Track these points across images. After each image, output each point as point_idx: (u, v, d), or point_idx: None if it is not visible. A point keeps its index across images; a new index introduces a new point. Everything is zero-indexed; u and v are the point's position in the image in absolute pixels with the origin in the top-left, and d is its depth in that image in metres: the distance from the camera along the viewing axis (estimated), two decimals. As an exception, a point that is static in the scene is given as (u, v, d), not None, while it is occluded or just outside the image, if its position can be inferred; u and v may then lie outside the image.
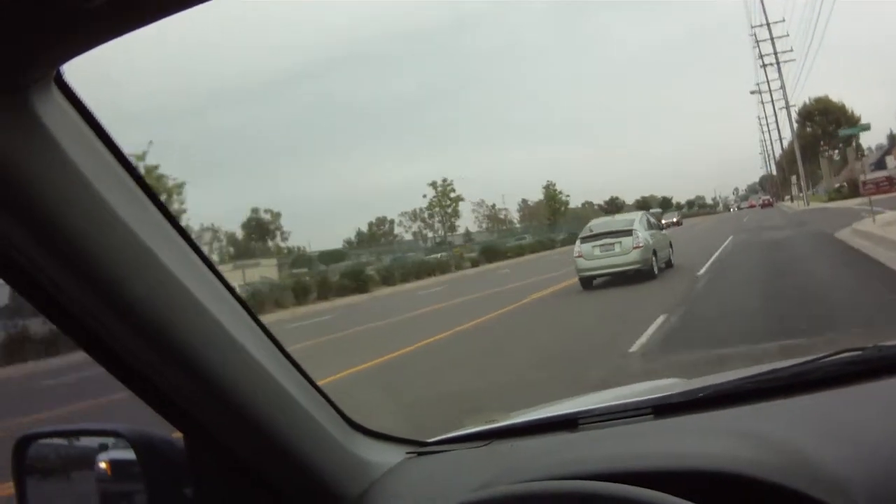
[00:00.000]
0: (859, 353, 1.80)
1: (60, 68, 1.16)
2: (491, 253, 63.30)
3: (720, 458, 1.50)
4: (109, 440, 1.90)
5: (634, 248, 22.59)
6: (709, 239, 38.12)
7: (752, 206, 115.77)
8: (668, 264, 24.77)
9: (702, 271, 21.62)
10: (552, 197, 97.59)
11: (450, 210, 61.92)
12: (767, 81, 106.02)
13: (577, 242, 24.16)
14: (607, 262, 22.78)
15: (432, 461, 1.95)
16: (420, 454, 1.99)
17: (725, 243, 32.21)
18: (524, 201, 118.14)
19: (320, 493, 1.72)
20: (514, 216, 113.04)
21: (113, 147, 1.29)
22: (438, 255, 62.32)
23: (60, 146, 1.17)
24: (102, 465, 1.98)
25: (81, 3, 0.95)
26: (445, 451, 1.98)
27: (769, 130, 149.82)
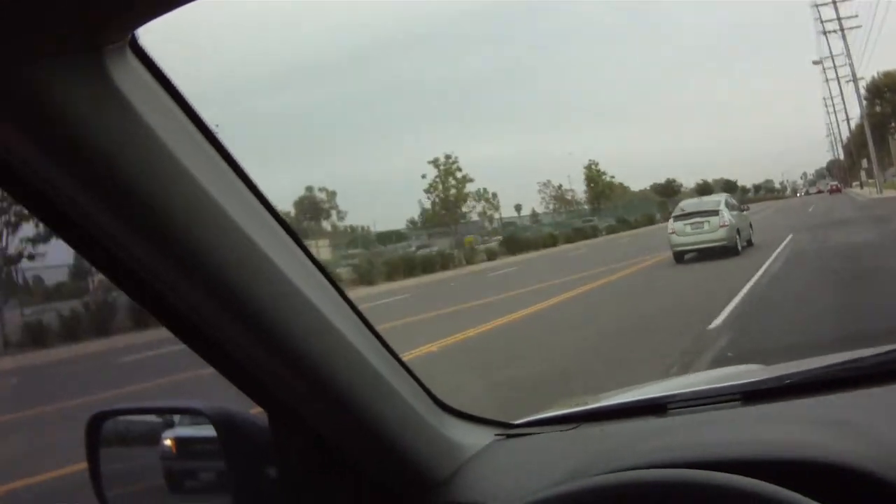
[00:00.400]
0: None
1: (136, 32, 1.11)
2: (514, 244, 55.95)
3: (812, 446, 1.48)
4: (186, 417, 1.87)
5: (721, 226, 25.12)
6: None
7: (819, 192, 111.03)
8: (749, 243, 26.97)
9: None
10: (595, 178, 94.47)
11: (453, 193, 58.14)
12: (830, 51, 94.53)
13: (671, 220, 27.09)
14: (697, 239, 25.26)
15: (521, 443, 1.92)
16: (509, 436, 1.95)
17: (775, 255, 21.72)
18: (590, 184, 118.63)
19: (408, 475, 1.69)
20: (581, 197, 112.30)
21: (192, 114, 1.25)
22: (424, 249, 57.27)
23: (137, 111, 1.12)
24: (168, 442, 1.98)
25: None
26: (534, 433, 1.95)
27: (835, 111, 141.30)
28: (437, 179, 61.39)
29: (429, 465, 1.71)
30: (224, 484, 1.77)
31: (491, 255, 51.41)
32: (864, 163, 71.20)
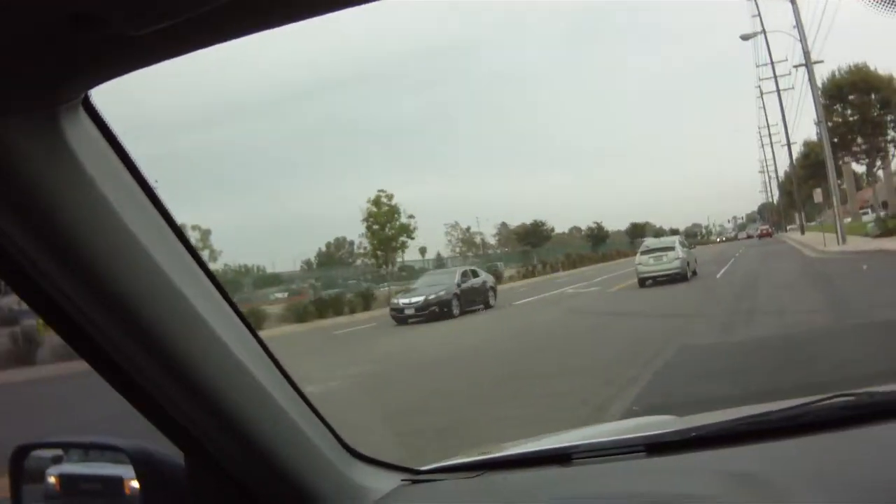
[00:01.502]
0: (851, 397, 1.81)
1: (89, 92, 1.19)
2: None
3: (711, 499, 1.52)
4: (75, 453, 1.90)
5: (676, 259, 33.03)
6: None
7: (749, 237, 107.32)
8: (695, 273, 34.32)
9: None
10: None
11: (390, 231, 55.09)
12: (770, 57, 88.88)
13: (638, 254, 35.49)
14: (658, 268, 32.91)
15: (425, 489, 1.96)
16: (414, 482, 1.99)
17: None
18: (503, 225, 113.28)
19: None
20: (491, 241, 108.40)
21: (136, 172, 1.33)
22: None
23: (84, 168, 1.20)
24: (52, 479, 2.00)
25: (120, 33, 0.97)
26: (439, 480, 1.99)
27: (771, 142, 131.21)
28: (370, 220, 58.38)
29: None
30: None
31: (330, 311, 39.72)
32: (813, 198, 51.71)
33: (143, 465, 1.75)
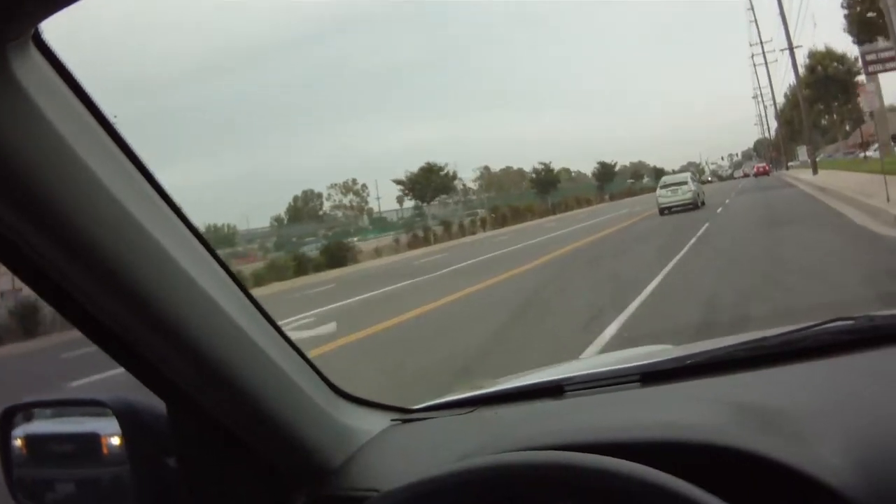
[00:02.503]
0: (851, 322, 1.79)
1: (38, 27, 1.13)
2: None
3: (707, 428, 1.49)
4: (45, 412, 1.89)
5: (688, 191, 41.91)
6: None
7: (745, 176, 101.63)
8: (703, 203, 42.08)
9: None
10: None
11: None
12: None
13: (658, 188, 45.04)
14: (674, 199, 41.81)
15: (417, 428, 1.95)
16: (405, 421, 1.99)
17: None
18: (486, 168, 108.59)
19: (304, 461, 1.72)
20: (471, 186, 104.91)
21: (94, 109, 1.27)
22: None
23: (39, 106, 1.15)
24: (17, 442, 1.96)
25: None
26: (430, 418, 1.99)
27: (766, 61, 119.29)
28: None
29: (323, 450, 1.74)
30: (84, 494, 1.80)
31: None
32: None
33: (126, 415, 1.73)
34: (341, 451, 1.78)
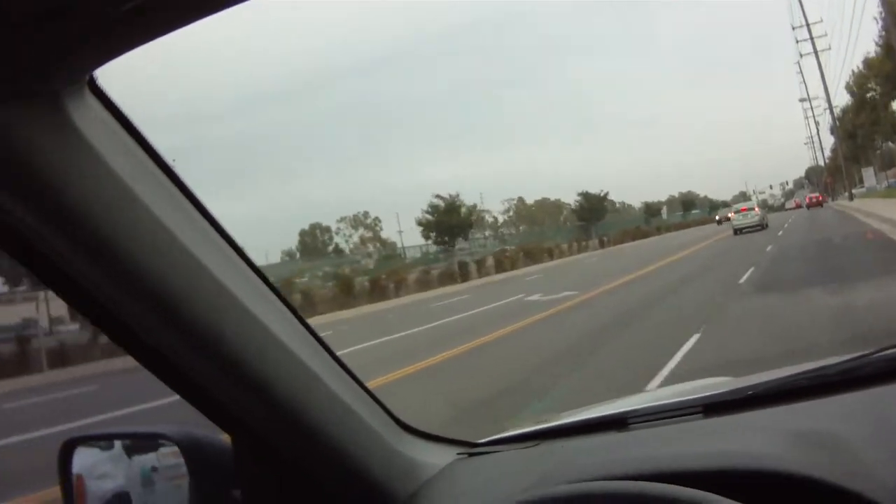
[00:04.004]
0: None
1: (94, 73, 1.14)
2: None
3: (770, 457, 1.48)
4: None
5: (756, 216, 56.16)
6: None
7: (797, 207, 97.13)
8: (766, 226, 54.31)
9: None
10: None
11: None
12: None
13: (731, 213, 60.54)
14: (745, 222, 55.57)
15: (483, 462, 1.93)
16: (471, 455, 1.97)
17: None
18: (519, 200, 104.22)
19: (370, 495, 1.70)
20: (499, 218, 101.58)
21: (151, 151, 1.28)
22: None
23: (96, 150, 1.16)
24: (78, 475, 1.94)
25: (113, 8, 0.94)
26: (496, 451, 1.97)
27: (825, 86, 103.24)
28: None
29: (391, 484, 1.72)
30: None
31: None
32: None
33: (190, 448, 1.72)
34: (407, 486, 1.76)
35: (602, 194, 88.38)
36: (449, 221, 62.38)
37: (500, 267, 58.16)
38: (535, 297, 27.72)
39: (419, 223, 66.34)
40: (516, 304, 25.39)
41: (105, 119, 1.20)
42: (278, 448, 1.60)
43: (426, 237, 62.82)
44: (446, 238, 62.62)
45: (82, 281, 1.28)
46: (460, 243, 64.22)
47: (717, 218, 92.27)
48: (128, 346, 1.44)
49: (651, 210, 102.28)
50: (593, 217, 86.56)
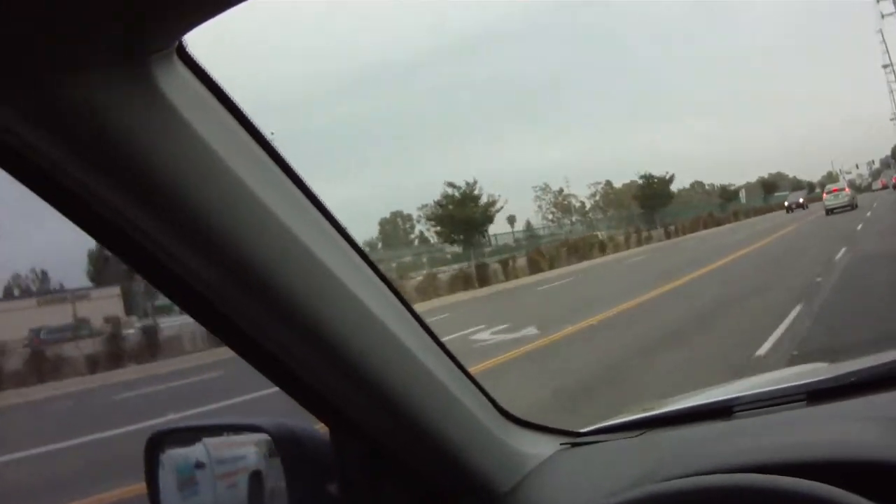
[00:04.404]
0: None
1: (182, 39, 1.08)
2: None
3: (877, 446, 1.45)
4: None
5: (846, 196, 60.50)
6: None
7: (883, 187, 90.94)
8: (855, 206, 57.29)
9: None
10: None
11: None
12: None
13: (824, 195, 64.19)
14: (837, 202, 59.38)
15: (585, 452, 1.90)
16: (574, 445, 1.94)
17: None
18: (607, 184, 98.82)
19: (472, 485, 1.66)
20: (586, 203, 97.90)
21: (245, 121, 1.21)
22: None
23: (186, 119, 1.10)
24: (165, 469, 1.92)
25: None
26: (599, 441, 1.94)
27: None
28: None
29: (494, 475, 1.69)
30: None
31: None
32: None
33: (285, 440, 1.68)
34: (510, 476, 1.72)
35: (667, 177, 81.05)
36: (463, 215, 52.10)
37: (534, 267, 49.04)
38: (482, 333, 19.84)
39: (428, 218, 58.88)
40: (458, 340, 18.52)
41: (195, 87, 1.14)
42: (379, 439, 1.57)
43: (440, 235, 56.83)
44: (460, 236, 53.54)
45: (174, 266, 1.23)
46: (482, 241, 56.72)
47: (785, 204, 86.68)
48: (225, 336, 1.39)
49: (726, 194, 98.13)
50: (656, 203, 78.95)
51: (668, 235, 68.73)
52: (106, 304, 45.31)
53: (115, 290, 48.36)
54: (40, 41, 0.91)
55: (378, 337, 1.42)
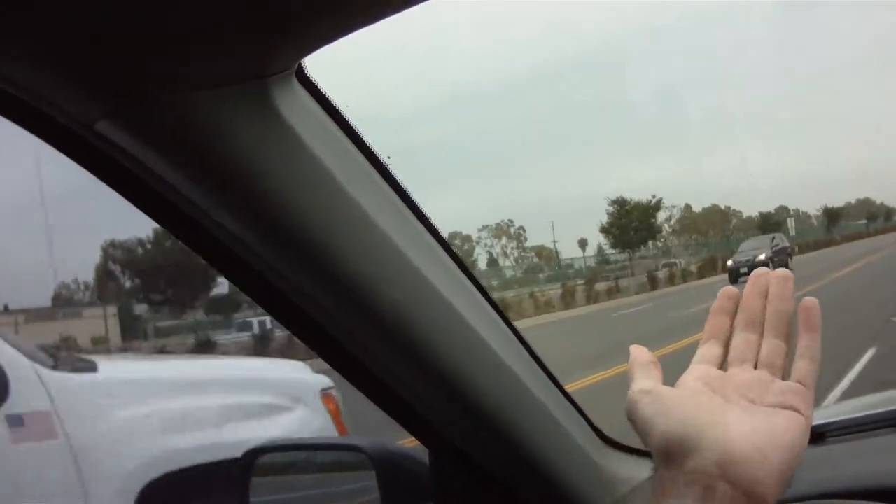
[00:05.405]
0: None
1: (302, 61, 1.09)
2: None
3: None
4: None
5: None
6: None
7: None
8: None
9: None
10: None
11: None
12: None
13: None
14: None
15: None
16: None
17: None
18: (686, 206, 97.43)
19: None
20: (663, 228, 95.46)
21: (364, 148, 1.23)
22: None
23: (304, 142, 1.10)
24: (259, 486, 1.92)
25: None
26: None
27: None
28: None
29: (591, 499, 1.67)
30: None
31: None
32: None
33: (383, 461, 1.69)
34: (606, 499, 1.72)
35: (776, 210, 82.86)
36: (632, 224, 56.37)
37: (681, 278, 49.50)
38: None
39: (602, 230, 62.37)
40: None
41: (313, 110, 1.15)
42: (480, 463, 1.56)
43: (613, 245, 59.50)
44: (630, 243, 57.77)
45: (282, 285, 1.24)
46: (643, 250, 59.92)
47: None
48: (326, 355, 1.40)
49: (831, 216, 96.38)
50: (771, 228, 77.36)
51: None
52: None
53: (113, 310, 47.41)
54: (165, 63, 0.92)
55: (481, 357, 1.40)
